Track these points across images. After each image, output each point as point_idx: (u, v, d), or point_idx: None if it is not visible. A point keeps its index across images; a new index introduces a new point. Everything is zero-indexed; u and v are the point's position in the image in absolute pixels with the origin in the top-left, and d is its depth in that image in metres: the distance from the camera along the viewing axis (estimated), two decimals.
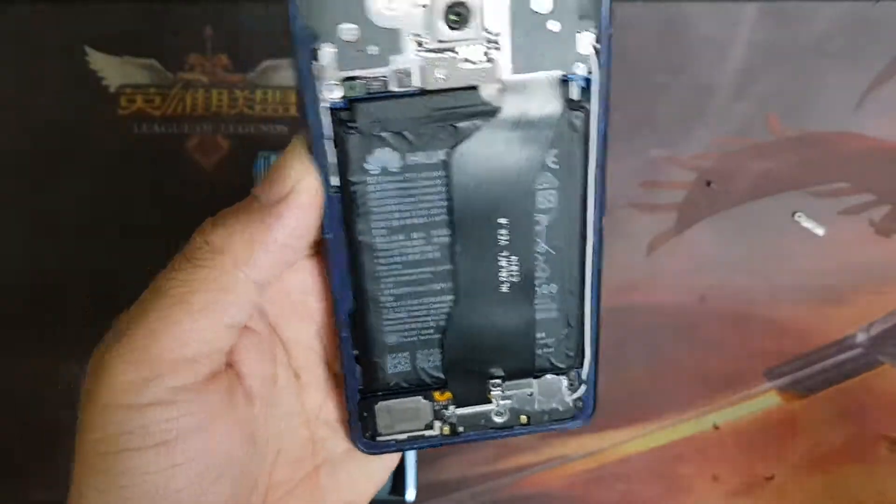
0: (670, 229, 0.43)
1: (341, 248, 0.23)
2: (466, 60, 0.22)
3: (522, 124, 0.23)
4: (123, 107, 0.42)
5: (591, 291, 0.25)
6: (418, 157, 0.23)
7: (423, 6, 0.21)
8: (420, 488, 0.41)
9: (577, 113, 0.23)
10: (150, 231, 0.42)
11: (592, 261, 0.25)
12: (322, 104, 0.22)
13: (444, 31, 0.21)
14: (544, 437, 0.43)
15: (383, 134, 0.22)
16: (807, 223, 0.44)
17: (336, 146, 0.22)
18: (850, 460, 0.44)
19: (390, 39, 0.22)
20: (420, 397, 0.25)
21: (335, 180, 0.22)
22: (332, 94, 0.22)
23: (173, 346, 0.20)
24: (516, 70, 0.22)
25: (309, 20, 0.21)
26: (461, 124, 0.22)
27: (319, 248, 0.23)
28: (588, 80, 0.23)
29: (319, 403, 0.25)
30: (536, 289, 0.25)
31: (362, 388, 0.25)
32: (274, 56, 0.43)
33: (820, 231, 0.44)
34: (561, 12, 0.22)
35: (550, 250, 0.25)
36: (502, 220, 0.24)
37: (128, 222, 0.42)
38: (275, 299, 0.24)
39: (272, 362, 0.24)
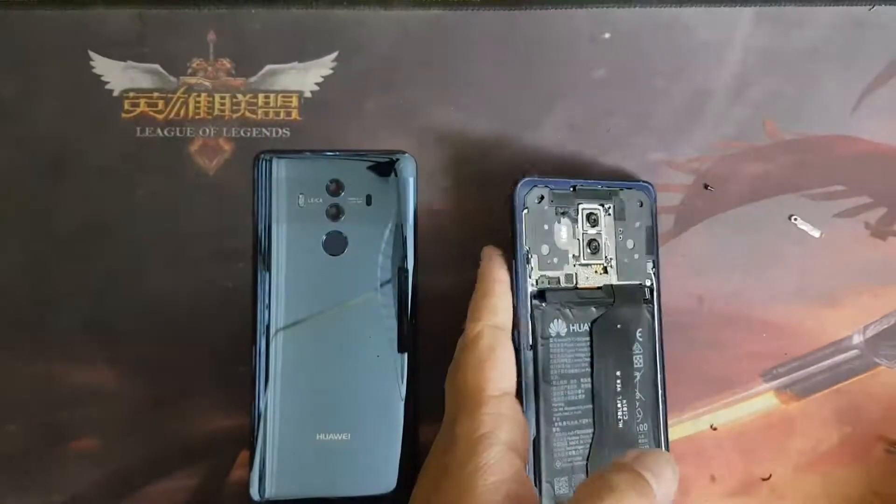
0: (668, 231, 0.44)
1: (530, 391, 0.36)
2: (596, 272, 0.39)
3: (626, 311, 0.39)
4: (127, 111, 0.43)
5: (664, 426, 0.39)
6: (575, 327, 0.37)
7: (577, 240, 0.39)
8: None
9: (649, 306, 0.40)
10: (152, 233, 0.42)
11: (663, 406, 0.40)
12: (530, 289, 0.37)
13: (587, 254, 0.39)
14: None
15: (559, 309, 0.37)
16: (803, 226, 0.44)
17: (531, 318, 0.36)
18: (846, 461, 0.44)
19: (562, 256, 0.39)
20: None
21: (530, 339, 0.36)
22: (533, 286, 0.37)
23: None
24: (620, 279, 0.40)
25: (525, 242, 0.37)
26: (595, 308, 0.38)
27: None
28: (652, 288, 0.40)
29: None
30: (637, 426, 0.38)
31: None
32: (276, 61, 0.43)
33: (816, 233, 0.44)
34: (639, 249, 0.40)
35: (642, 397, 0.39)
36: (618, 373, 0.38)
37: (130, 224, 0.42)
38: None
39: None
